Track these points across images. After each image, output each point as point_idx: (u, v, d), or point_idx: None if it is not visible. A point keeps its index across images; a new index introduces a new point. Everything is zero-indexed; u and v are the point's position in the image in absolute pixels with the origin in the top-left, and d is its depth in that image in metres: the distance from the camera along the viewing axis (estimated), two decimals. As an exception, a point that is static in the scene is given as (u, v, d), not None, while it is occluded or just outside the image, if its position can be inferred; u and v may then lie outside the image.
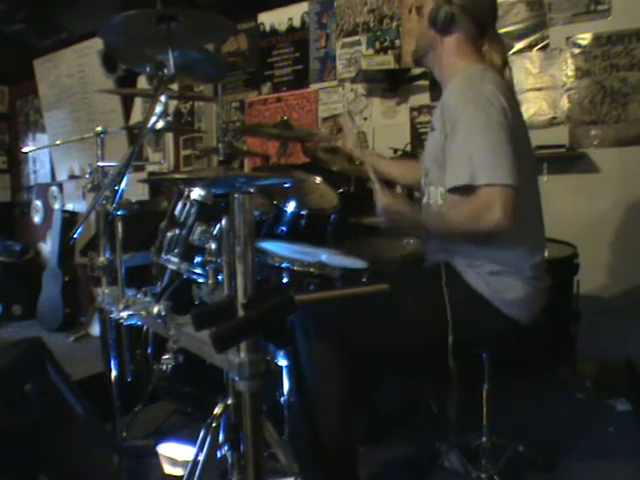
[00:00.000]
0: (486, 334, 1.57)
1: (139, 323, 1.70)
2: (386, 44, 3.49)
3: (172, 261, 1.62)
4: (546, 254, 1.63)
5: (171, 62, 1.43)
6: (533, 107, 2.97)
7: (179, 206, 1.65)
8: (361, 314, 1.52)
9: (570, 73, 2.91)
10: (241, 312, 1.01)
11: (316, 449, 1.51)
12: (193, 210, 1.61)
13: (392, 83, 3.42)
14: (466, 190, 1.41)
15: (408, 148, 3.29)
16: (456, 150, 1.43)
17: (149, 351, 2.17)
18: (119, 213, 1.77)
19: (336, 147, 2.19)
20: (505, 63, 1.59)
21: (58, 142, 4.68)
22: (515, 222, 1.35)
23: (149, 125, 1.51)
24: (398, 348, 1.60)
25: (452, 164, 1.45)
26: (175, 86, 2.05)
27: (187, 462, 1.46)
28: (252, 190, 1.07)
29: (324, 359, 1.52)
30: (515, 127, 1.43)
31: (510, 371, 2.03)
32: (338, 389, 1.52)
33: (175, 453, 1.87)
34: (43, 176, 5.39)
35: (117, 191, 1.54)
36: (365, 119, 3.59)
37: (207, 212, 1.57)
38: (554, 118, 2.96)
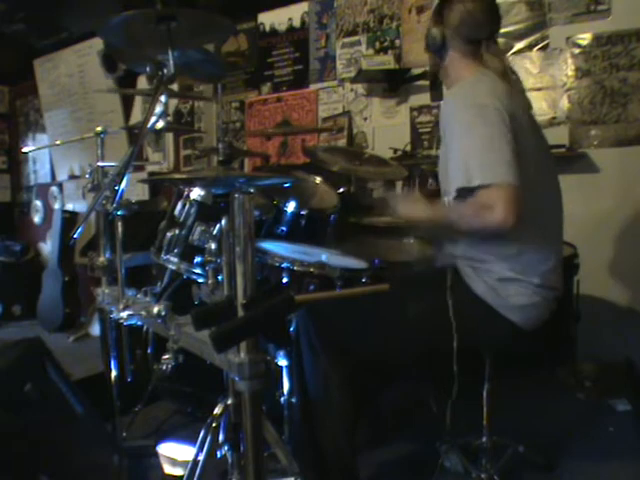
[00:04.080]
0: (488, 339, 1.57)
1: (139, 323, 1.70)
2: (386, 44, 3.49)
3: (172, 261, 1.62)
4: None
5: (171, 62, 1.43)
6: (533, 107, 2.97)
7: (179, 206, 1.65)
8: (364, 321, 1.52)
9: (570, 73, 2.91)
10: (241, 312, 1.02)
11: (317, 452, 1.51)
12: (193, 210, 1.61)
13: (392, 83, 3.41)
14: (466, 195, 1.41)
15: (408, 148, 3.30)
16: (453, 158, 1.44)
17: (149, 351, 2.17)
18: (119, 213, 1.77)
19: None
20: (505, 69, 1.59)
21: (58, 142, 4.67)
22: (519, 219, 1.32)
23: (149, 125, 1.51)
24: (400, 352, 1.60)
25: (452, 172, 1.45)
26: (175, 86, 2.05)
27: (187, 462, 1.46)
28: (252, 190, 1.07)
29: (326, 364, 1.52)
30: (518, 129, 1.42)
31: (510, 371, 2.03)
32: (340, 393, 1.52)
33: (175, 453, 1.87)
34: (43, 176, 5.39)
35: (117, 191, 1.55)
36: (365, 119, 3.59)
37: (207, 212, 1.58)
38: (554, 118, 2.95)
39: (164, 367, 1.54)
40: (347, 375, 1.51)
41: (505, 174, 1.34)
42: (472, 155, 1.38)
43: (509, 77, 1.59)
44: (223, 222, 1.31)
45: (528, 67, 3.01)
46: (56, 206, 5.13)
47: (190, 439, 1.64)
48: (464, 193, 1.41)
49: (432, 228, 1.61)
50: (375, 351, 1.56)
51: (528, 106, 1.61)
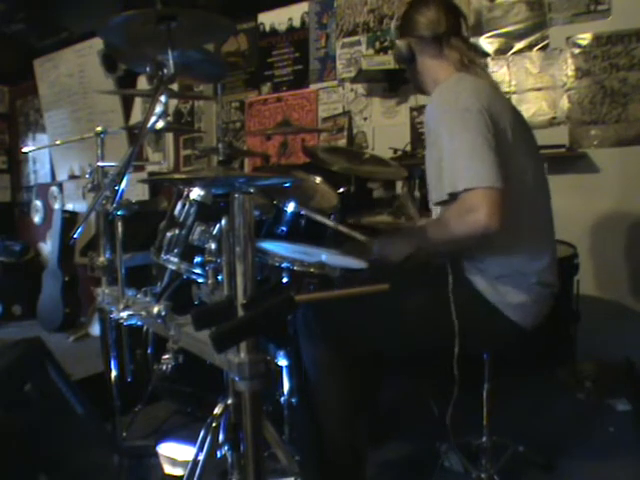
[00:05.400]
0: (489, 337, 1.56)
1: (139, 323, 1.70)
2: (386, 44, 3.49)
3: (172, 261, 1.62)
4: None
5: (171, 62, 1.43)
6: (533, 107, 2.97)
7: (179, 206, 1.65)
8: (364, 315, 1.52)
9: (570, 73, 2.91)
10: (241, 312, 1.01)
11: (319, 450, 1.51)
12: (193, 210, 1.61)
13: (392, 83, 3.42)
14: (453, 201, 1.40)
15: (408, 148, 3.30)
16: (443, 166, 1.43)
17: (149, 351, 2.17)
18: (119, 213, 1.77)
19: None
20: (462, 61, 1.57)
21: (58, 142, 4.67)
22: (502, 223, 1.31)
23: (149, 125, 1.51)
24: (401, 350, 1.60)
25: (441, 179, 1.44)
26: (175, 86, 2.05)
27: (187, 462, 1.46)
28: (252, 190, 1.07)
29: (327, 360, 1.52)
30: (502, 128, 1.42)
31: (510, 371, 2.03)
32: (340, 390, 1.52)
33: (175, 453, 1.87)
34: (43, 176, 5.39)
35: (117, 191, 1.54)
36: (365, 119, 3.59)
37: (207, 212, 1.57)
38: (554, 118, 2.96)
39: (164, 367, 1.54)
40: (346, 366, 1.51)
41: (488, 177, 1.33)
42: (456, 161, 1.38)
43: (474, 70, 1.57)
44: (223, 222, 1.30)
45: (528, 67, 3.01)
46: (56, 206, 5.13)
47: (190, 439, 1.64)
48: (452, 199, 1.40)
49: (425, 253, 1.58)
50: (374, 343, 1.56)
51: (510, 102, 1.60)
